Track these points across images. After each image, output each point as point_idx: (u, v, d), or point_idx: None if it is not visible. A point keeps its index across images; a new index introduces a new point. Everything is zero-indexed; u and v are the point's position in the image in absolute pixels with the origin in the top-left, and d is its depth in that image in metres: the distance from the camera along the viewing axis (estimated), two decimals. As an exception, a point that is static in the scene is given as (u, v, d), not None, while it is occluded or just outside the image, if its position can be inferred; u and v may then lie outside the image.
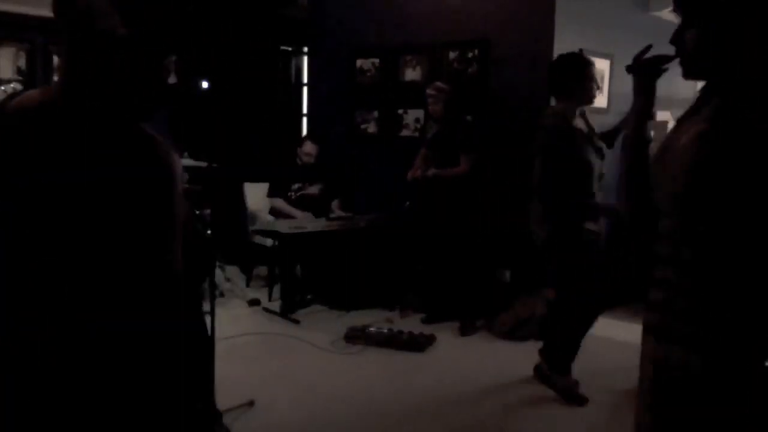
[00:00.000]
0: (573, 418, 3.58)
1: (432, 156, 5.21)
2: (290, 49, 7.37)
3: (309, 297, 5.65)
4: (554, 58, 3.93)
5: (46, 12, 4.83)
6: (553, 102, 4.00)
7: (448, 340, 4.76)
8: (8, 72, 5.64)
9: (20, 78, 5.69)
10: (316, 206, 5.95)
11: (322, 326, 5.01)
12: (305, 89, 7.35)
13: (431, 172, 5.09)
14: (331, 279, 5.68)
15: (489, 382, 4.01)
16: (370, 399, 3.76)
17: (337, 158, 6.31)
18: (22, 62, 5.74)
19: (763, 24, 1.36)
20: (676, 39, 1.47)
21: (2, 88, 4.17)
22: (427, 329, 4.91)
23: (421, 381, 4.03)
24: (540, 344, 3.99)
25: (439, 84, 5.18)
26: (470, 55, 5.67)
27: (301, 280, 5.74)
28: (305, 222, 5.59)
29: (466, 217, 5.06)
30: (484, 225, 5.16)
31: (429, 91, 5.16)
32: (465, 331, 4.92)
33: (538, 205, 3.77)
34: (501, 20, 5.49)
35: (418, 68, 6.00)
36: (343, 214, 5.95)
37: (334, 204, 6.10)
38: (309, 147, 6.04)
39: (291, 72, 7.51)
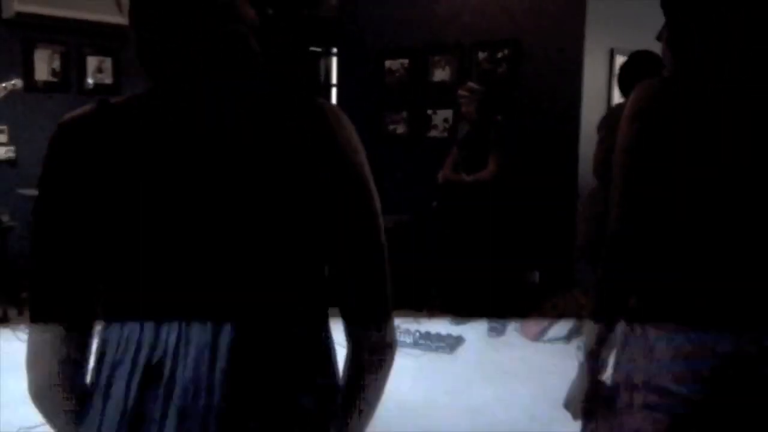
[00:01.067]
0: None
1: (462, 156, 5.19)
2: (319, 50, 7.40)
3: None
4: (629, 56, 3.78)
5: (81, 14, 4.91)
6: (620, 99, 3.95)
7: (476, 342, 4.74)
8: (43, 74, 5.73)
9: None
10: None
11: (351, 327, 5.01)
12: (334, 90, 7.37)
13: (470, 178, 5.07)
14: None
15: (519, 384, 3.98)
16: (400, 400, 3.75)
17: (367, 158, 6.30)
18: (56, 64, 5.84)
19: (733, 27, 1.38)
20: (658, 37, 1.53)
21: (3, 84, 4.25)
22: (456, 330, 4.89)
23: (450, 382, 4.02)
24: (569, 346, 3.95)
25: (471, 84, 5.17)
26: (500, 55, 5.64)
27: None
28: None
29: (494, 218, 5.03)
30: (512, 225, 5.13)
31: (461, 92, 5.14)
32: (494, 332, 4.89)
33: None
34: (531, 19, 5.46)
35: (447, 68, 5.99)
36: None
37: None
38: None
39: (320, 73, 7.54)
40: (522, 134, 5.31)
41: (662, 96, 1.37)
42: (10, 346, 4.46)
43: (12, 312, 4.94)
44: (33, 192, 4.47)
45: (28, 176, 5.34)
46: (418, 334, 4.67)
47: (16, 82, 4.31)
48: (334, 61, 7.31)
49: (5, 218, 4.94)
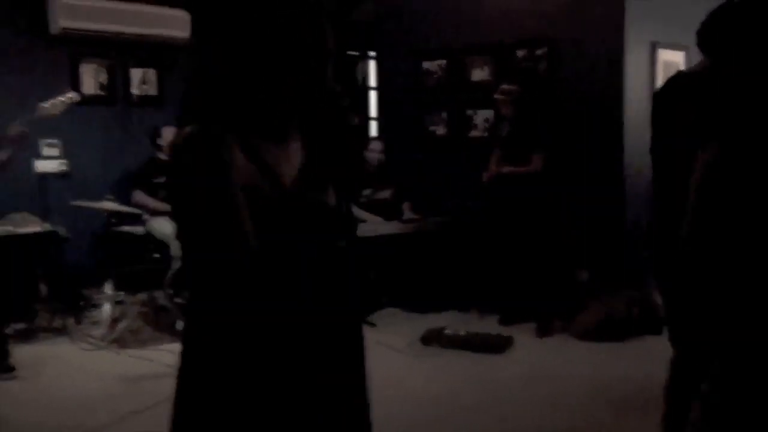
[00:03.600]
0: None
1: (505, 155, 5.20)
2: (356, 53, 7.45)
3: (383, 300, 5.70)
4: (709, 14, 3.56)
5: (124, 28, 5.00)
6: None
7: (526, 342, 4.74)
8: (91, 87, 5.88)
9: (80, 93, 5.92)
10: (388, 210, 5.99)
11: (398, 329, 5.05)
12: (371, 93, 7.41)
13: (506, 169, 5.11)
14: (405, 281, 5.72)
15: (571, 384, 3.98)
16: (451, 401, 3.78)
17: (407, 161, 6.34)
18: (103, 77, 5.98)
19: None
20: None
21: (62, 98, 4.36)
22: (504, 331, 4.90)
23: (502, 382, 4.03)
24: (621, 345, 3.94)
25: (504, 87, 5.20)
26: (538, 53, 5.63)
27: (375, 282, 5.79)
28: (378, 225, 5.64)
29: (541, 217, 5.03)
30: (560, 224, 5.12)
31: (496, 96, 5.19)
32: (543, 332, 4.89)
33: None
34: (569, 17, 5.43)
35: (485, 68, 5.98)
36: (414, 216, 5.99)
37: (405, 206, 6.13)
38: (375, 145, 6.16)
39: (357, 76, 7.59)
40: (564, 131, 5.29)
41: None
42: (70, 354, 4.60)
43: (70, 322, 5.07)
44: (86, 203, 4.54)
45: (80, 188, 5.49)
46: (466, 334, 4.68)
47: (73, 95, 4.42)
48: (372, 64, 7.35)
49: (62, 230, 5.08)
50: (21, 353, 4.34)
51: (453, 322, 5.06)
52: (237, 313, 1.48)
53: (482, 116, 6.01)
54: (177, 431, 1.54)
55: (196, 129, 1.42)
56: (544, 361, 4.38)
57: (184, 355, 1.58)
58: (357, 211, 5.97)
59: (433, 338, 4.68)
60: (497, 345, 4.56)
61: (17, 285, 4.73)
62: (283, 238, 1.45)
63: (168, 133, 5.69)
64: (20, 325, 4.80)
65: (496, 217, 5.28)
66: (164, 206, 5.20)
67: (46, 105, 4.25)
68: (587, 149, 5.30)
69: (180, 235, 1.51)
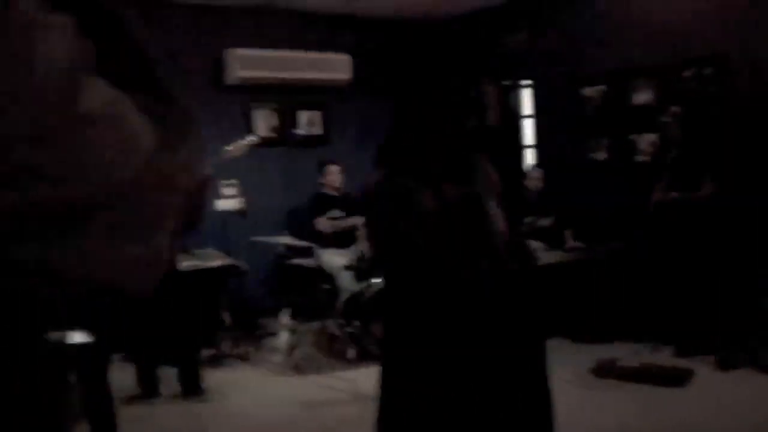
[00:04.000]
0: None
1: (674, 180, 5.01)
2: (508, 83, 7.48)
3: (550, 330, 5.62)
4: None
5: (292, 75, 5.39)
6: None
7: (707, 375, 4.49)
8: (263, 130, 6.32)
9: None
10: (550, 238, 5.93)
11: (566, 360, 4.94)
12: (527, 121, 7.40)
13: (674, 195, 4.92)
14: (571, 311, 5.61)
15: (758, 421, 3.73)
16: (630, 435, 3.66)
17: (568, 188, 6.26)
18: (274, 121, 6.42)
19: None
20: None
21: (244, 141, 4.70)
22: (681, 363, 4.67)
23: (682, 418, 3.85)
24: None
25: (672, 109, 5.04)
26: (707, 72, 5.40)
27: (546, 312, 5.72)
28: (540, 254, 5.59)
29: (716, 243, 4.78)
30: (739, 249, 4.84)
31: (664, 118, 5.03)
32: (725, 364, 4.60)
33: None
34: (739, 31, 5.18)
35: (648, 91, 5.81)
36: (576, 244, 5.88)
37: (567, 234, 6.04)
38: (535, 172, 6.13)
39: (510, 105, 7.61)
40: (738, 153, 5.02)
41: None
42: (252, 379, 4.91)
43: (251, 349, 5.41)
44: (264, 238, 4.87)
45: (256, 224, 5.89)
46: (642, 366, 4.51)
47: (255, 138, 4.79)
48: (525, 93, 7.34)
49: (242, 264, 5.46)
50: (208, 378, 4.69)
51: (625, 354, 4.88)
52: (439, 341, 1.59)
53: (646, 140, 5.83)
54: None
55: (389, 177, 1.65)
56: (727, 397, 4.13)
57: (387, 381, 1.69)
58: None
59: (605, 370, 4.55)
60: (676, 378, 4.35)
61: (204, 315, 5.13)
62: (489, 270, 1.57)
63: (332, 170, 6.01)
64: (207, 352, 5.19)
65: (665, 244, 5.08)
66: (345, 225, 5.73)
67: (230, 148, 4.63)
68: (763, 170, 5.00)
69: (383, 263, 1.70)
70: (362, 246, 5.38)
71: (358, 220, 5.71)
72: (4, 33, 0.53)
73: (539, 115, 7.01)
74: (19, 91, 0.53)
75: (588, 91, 6.25)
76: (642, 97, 5.87)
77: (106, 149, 0.58)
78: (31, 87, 0.54)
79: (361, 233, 5.49)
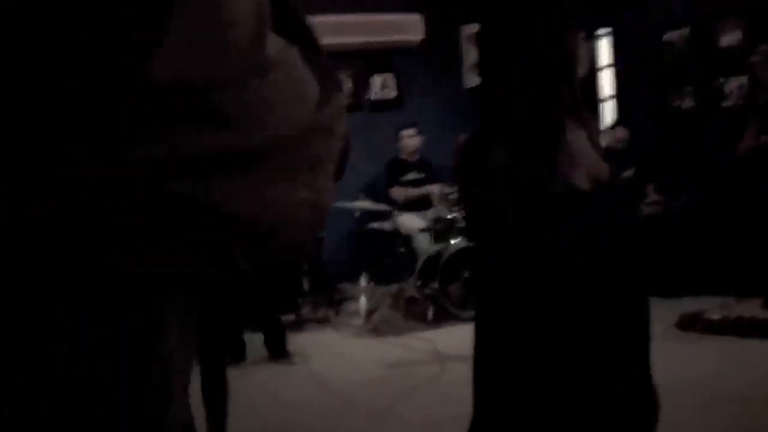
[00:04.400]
0: None
1: (764, 125, 4.73)
2: (584, 33, 7.21)
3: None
4: None
5: (366, 39, 5.39)
6: None
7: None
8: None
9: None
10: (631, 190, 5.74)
11: (652, 314, 4.81)
12: (604, 72, 7.13)
13: (765, 140, 4.65)
14: (653, 265, 5.43)
15: None
16: (715, 388, 3.53)
17: (650, 139, 6.02)
18: (348, 86, 6.46)
19: None
20: None
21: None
22: (771, 315, 4.46)
23: (773, 371, 3.68)
24: None
25: (762, 47, 4.71)
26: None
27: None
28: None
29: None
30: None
31: (754, 58, 4.72)
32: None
33: None
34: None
35: (737, 32, 5.48)
36: (657, 197, 5.66)
37: (649, 188, 5.82)
38: (621, 133, 5.87)
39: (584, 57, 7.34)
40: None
41: None
42: (334, 342, 5.04)
43: (331, 313, 5.55)
44: (342, 204, 4.95)
45: (337, 191, 5.97)
46: (728, 318, 4.34)
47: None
48: (599, 43, 7.06)
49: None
50: (291, 341, 4.83)
51: (710, 306, 4.70)
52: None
53: (735, 84, 5.51)
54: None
55: (471, 136, 1.69)
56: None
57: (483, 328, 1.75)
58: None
59: (690, 323, 4.40)
60: (764, 329, 4.16)
61: (285, 280, 5.28)
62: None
63: (407, 134, 6.01)
64: (289, 317, 5.35)
65: (755, 192, 4.81)
66: (418, 193, 5.77)
67: None
68: None
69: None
70: (438, 209, 5.38)
71: (432, 188, 5.70)
72: None
73: (619, 65, 6.74)
74: (214, 37, 0.55)
75: (671, 36, 5.95)
76: (730, 38, 5.54)
77: (284, 95, 0.60)
78: (225, 33, 0.55)
79: (437, 196, 5.48)
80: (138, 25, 0.51)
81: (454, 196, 5.11)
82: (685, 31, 5.84)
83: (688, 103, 5.91)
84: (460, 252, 4.95)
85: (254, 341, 4.61)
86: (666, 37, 5.96)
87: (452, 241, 5.09)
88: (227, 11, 0.56)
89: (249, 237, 0.60)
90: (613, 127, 5.98)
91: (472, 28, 6.92)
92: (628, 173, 5.80)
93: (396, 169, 6.00)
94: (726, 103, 5.58)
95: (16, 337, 0.53)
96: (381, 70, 6.60)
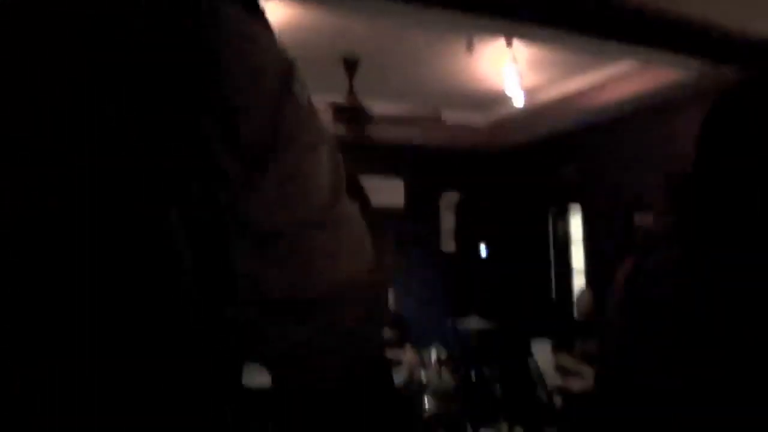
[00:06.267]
0: None
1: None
2: (556, 209, 7.53)
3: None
4: None
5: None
6: None
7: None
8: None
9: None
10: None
11: None
12: (574, 246, 7.36)
13: None
14: None
15: None
16: None
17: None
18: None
19: None
20: None
21: None
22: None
23: None
24: None
25: None
26: None
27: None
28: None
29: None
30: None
31: None
32: None
33: None
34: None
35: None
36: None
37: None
38: (584, 296, 6.04)
39: (558, 231, 7.61)
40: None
41: None
42: None
43: None
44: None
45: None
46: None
47: None
48: (570, 218, 7.35)
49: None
50: None
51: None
52: None
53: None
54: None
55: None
56: None
57: None
58: (572, 363, 5.84)
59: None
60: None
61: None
62: None
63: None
64: None
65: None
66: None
67: None
68: None
69: None
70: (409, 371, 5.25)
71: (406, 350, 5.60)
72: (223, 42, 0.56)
73: (590, 240, 6.99)
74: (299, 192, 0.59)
75: (641, 219, 6.23)
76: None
77: (350, 247, 0.63)
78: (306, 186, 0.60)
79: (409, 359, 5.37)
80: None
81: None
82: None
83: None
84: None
85: None
86: (638, 218, 6.22)
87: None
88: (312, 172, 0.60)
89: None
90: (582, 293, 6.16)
91: (452, 197, 7.20)
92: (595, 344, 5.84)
93: None
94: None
95: None
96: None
